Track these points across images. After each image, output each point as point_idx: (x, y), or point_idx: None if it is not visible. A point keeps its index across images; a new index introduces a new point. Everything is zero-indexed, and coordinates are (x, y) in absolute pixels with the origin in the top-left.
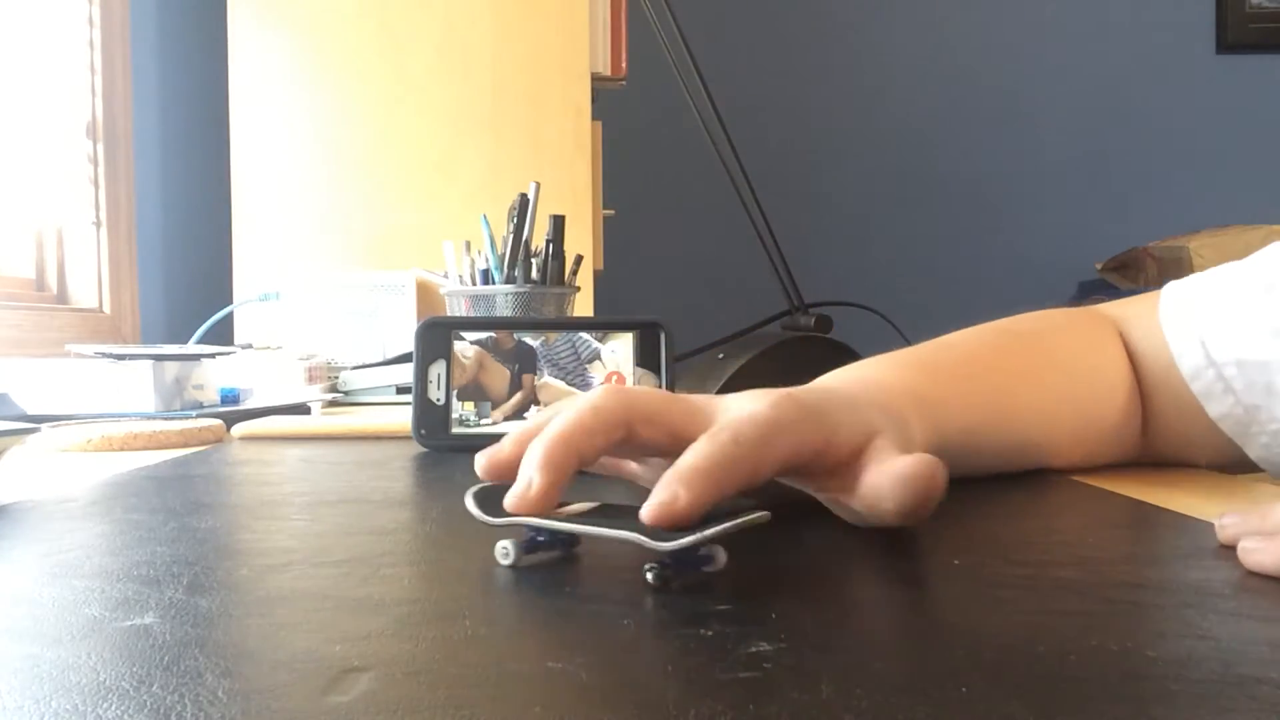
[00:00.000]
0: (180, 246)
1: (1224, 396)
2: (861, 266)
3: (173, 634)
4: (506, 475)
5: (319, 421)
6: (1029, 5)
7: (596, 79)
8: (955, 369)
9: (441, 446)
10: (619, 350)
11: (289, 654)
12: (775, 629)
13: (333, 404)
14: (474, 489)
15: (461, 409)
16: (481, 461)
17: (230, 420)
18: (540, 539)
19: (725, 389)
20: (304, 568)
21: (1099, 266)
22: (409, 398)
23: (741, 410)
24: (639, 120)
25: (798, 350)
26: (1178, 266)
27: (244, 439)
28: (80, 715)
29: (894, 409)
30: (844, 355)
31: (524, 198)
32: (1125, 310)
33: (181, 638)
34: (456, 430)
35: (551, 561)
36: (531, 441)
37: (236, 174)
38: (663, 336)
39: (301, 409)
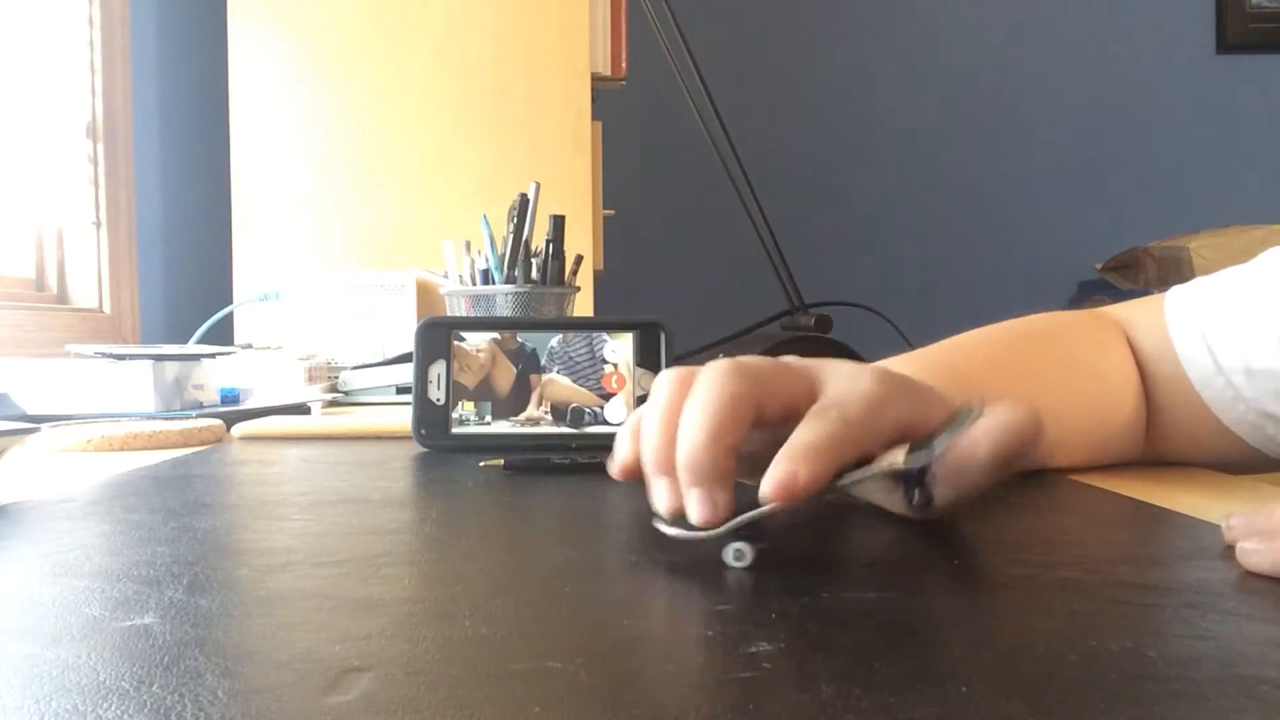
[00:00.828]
0: (180, 246)
1: (1235, 404)
2: (861, 266)
3: (173, 634)
4: (639, 475)
5: (319, 421)
6: (1029, 5)
7: (596, 79)
8: (978, 373)
9: (441, 446)
10: (619, 350)
11: (289, 654)
12: (775, 629)
13: (333, 404)
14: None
15: (461, 409)
16: (615, 468)
17: (230, 420)
18: (751, 533)
19: None
20: (304, 568)
21: (1099, 266)
22: (409, 398)
23: (847, 385)
24: (639, 120)
25: (798, 350)
26: (1178, 266)
27: (244, 439)
28: (80, 715)
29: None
30: (844, 355)
31: (524, 198)
32: (1129, 312)
33: (181, 638)
34: (456, 430)
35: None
36: (682, 445)
37: (236, 174)
38: (663, 336)
39: (301, 409)
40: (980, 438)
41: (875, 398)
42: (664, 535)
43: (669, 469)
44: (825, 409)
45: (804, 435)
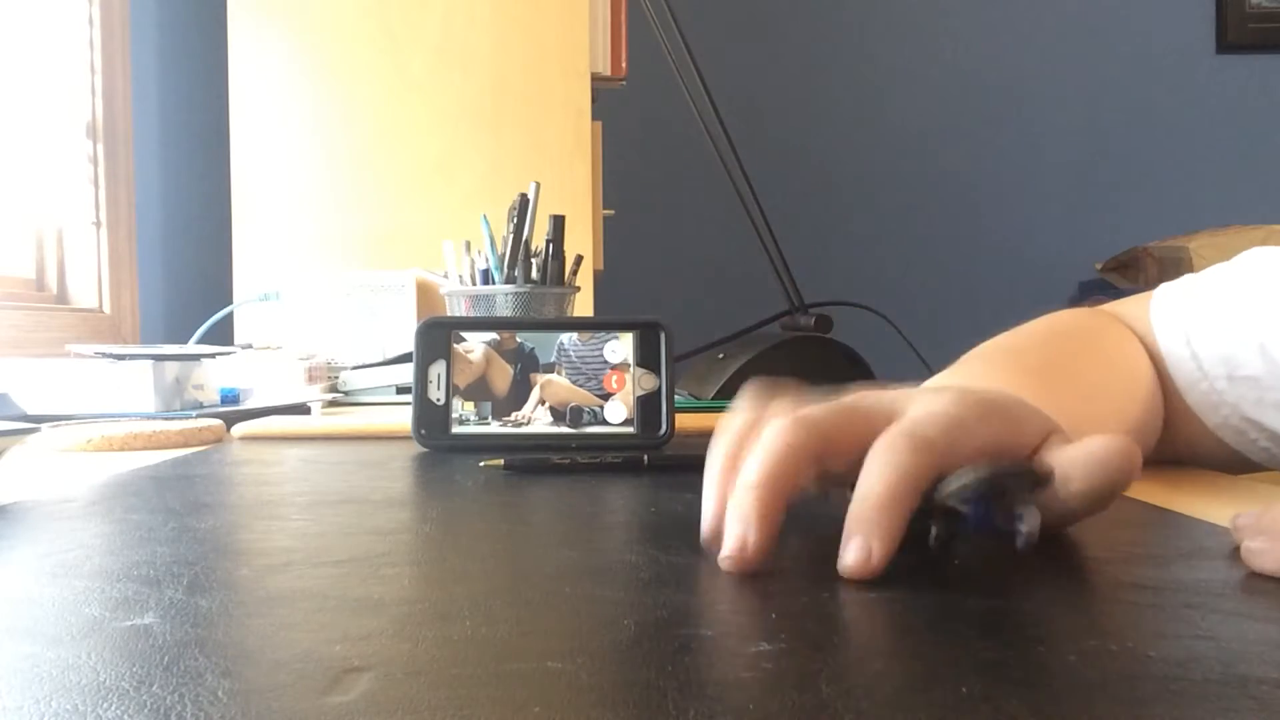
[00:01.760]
0: (180, 246)
1: (1219, 408)
2: (861, 266)
3: (173, 634)
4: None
5: (319, 421)
6: (1029, 5)
7: (596, 79)
8: (1044, 375)
9: (441, 446)
10: (619, 350)
11: (289, 654)
12: (775, 629)
13: (333, 404)
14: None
15: (461, 409)
16: (706, 535)
17: (230, 420)
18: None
19: (725, 389)
20: (304, 568)
21: (1099, 266)
22: (409, 398)
23: (923, 409)
24: (639, 120)
25: (798, 350)
26: (1177, 266)
27: (244, 439)
28: (80, 715)
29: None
30: (844, 355)
31: (524, 198)
32: (1124, 310)
33: (181, 638)
34: (456, 430)
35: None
36: (737, 483)
37: (236, 174)
38: (663, 336)
39: (301, 409)
40: (1072, 470)
41: (953, 419)
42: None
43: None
44: (894, 440)
45: (871, 486)
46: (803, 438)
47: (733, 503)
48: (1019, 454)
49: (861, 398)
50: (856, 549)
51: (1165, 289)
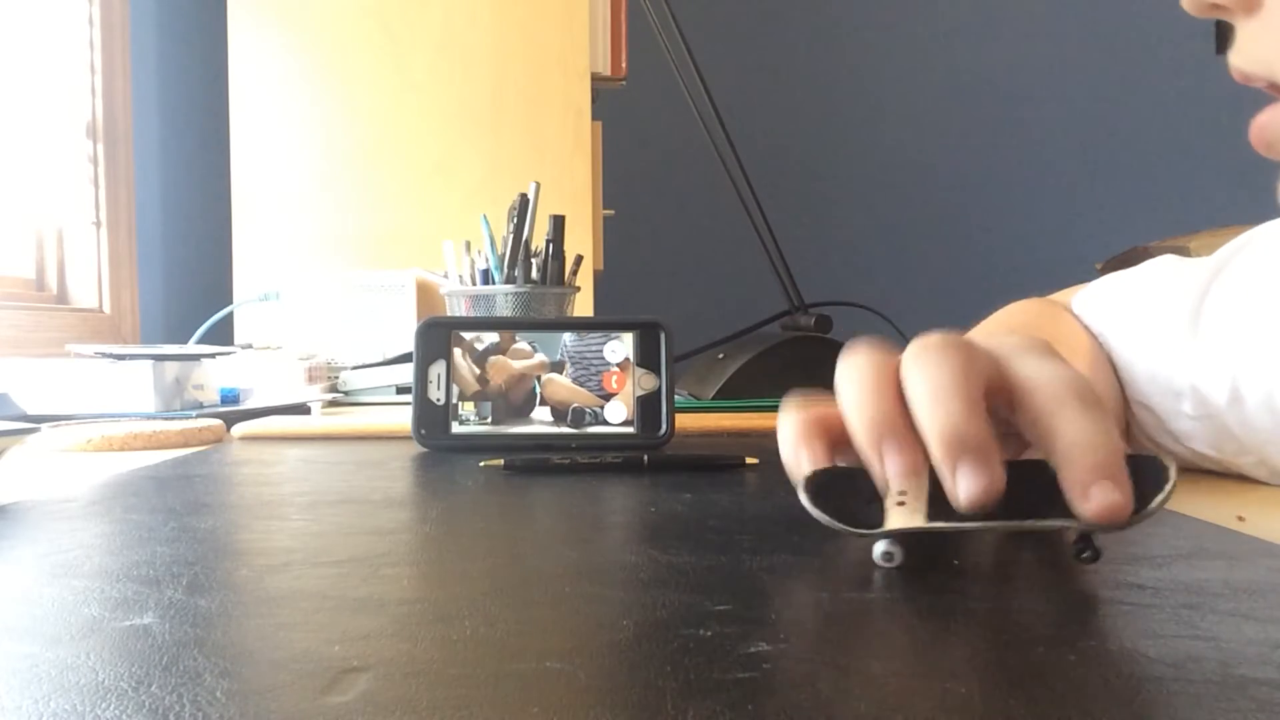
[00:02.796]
0: (180, 246)
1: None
2: (861, 266)
3: (172, 634)
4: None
5: (319, 421)
6: (1029, 5)
7: (596, 79)
8: None
9: (441, 446)
10: (619, 350)
11: (288, 654)
12: (775, 629)
13: (333, 404)
14: (809, 493)
15: (462, 409)
16: (799, 464)
17: (230, 420)
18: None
19: (725, 389)
20: (304, 568)
21: (1099, 266)
22: (409, 398)
23: (1049, 367)
24: (639, 120)
25: (798, 350)
26: None
27: (244, 439)
28: (79, 715)
29: None
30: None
31: (524, 198)
32: (1064, 300)
33: (180, 638)
34: (456, 430)
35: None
36: (935, 415)
37: (236, 174)
38: (663, 336)
39: (301, 409)
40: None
41: (1080, 377)
42: (670, 532)
43: (905, 444)
44: (1083, 396)
45: (1088, 437)
46: (971, 361)
47: (949, 442)
48: None
49: (942, 336)
50: (1104, 494)
51: (1081, 298)
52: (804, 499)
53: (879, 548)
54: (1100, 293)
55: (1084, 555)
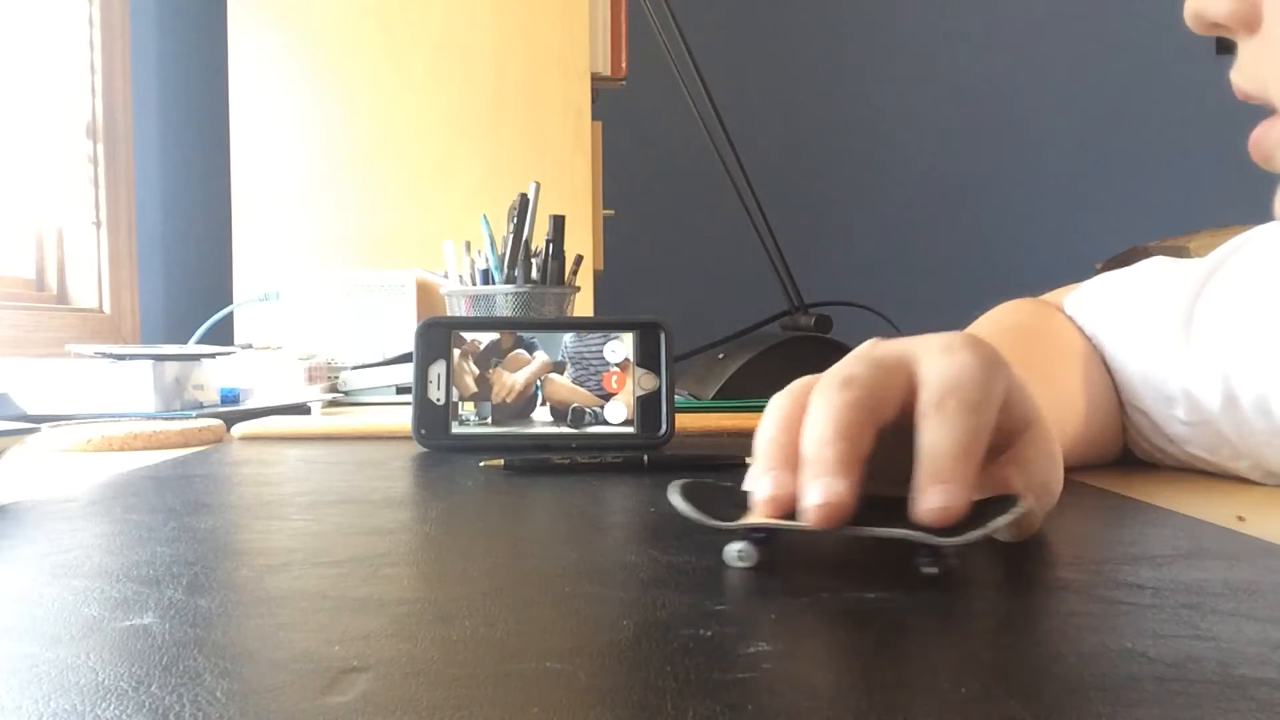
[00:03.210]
0: (180, 246)
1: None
2: (861, 266)
3: (172, 634)
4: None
5: (319, 421)
6: (1030, 6)
7: (596, 79)
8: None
9: (441, 446)
10: (619, 350)
11: (288, 654)
12: (775, 629)
13: (333, 404)
14: (679, 489)
15: (462, 409)
16: (767, 497)
17: (230, 420)
18: (763, 536)
19: (725, 389)
20: (304, 568)
21: (1099, 266)
22: (409, 398)
23: (946, 362)
24: (639, 120)
25: (798, 350)
26: None
27: (244, 439)
28: (79, 715)
29: None
30: (844, 355)
31: (524, 198)
32: (1057, 301)
33: (180, 638)
34: (456, 430)
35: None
36: (809, 441)
37: (236, 174)
38: (663, 336)
39: (301, 409)
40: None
41: (979, 376)
42: (670, 532)
43: (785, 464)
44: (941, 403)
45: (940, 443)
46: (859, 395)
47: (809, 462)
48: (1009, 432)
49: (878, 351)
50: (938, 497)
51: (1073, 298)
52: (673, 494)
53: (732, 547)
54: (1093, 294)
55: (924, 566)
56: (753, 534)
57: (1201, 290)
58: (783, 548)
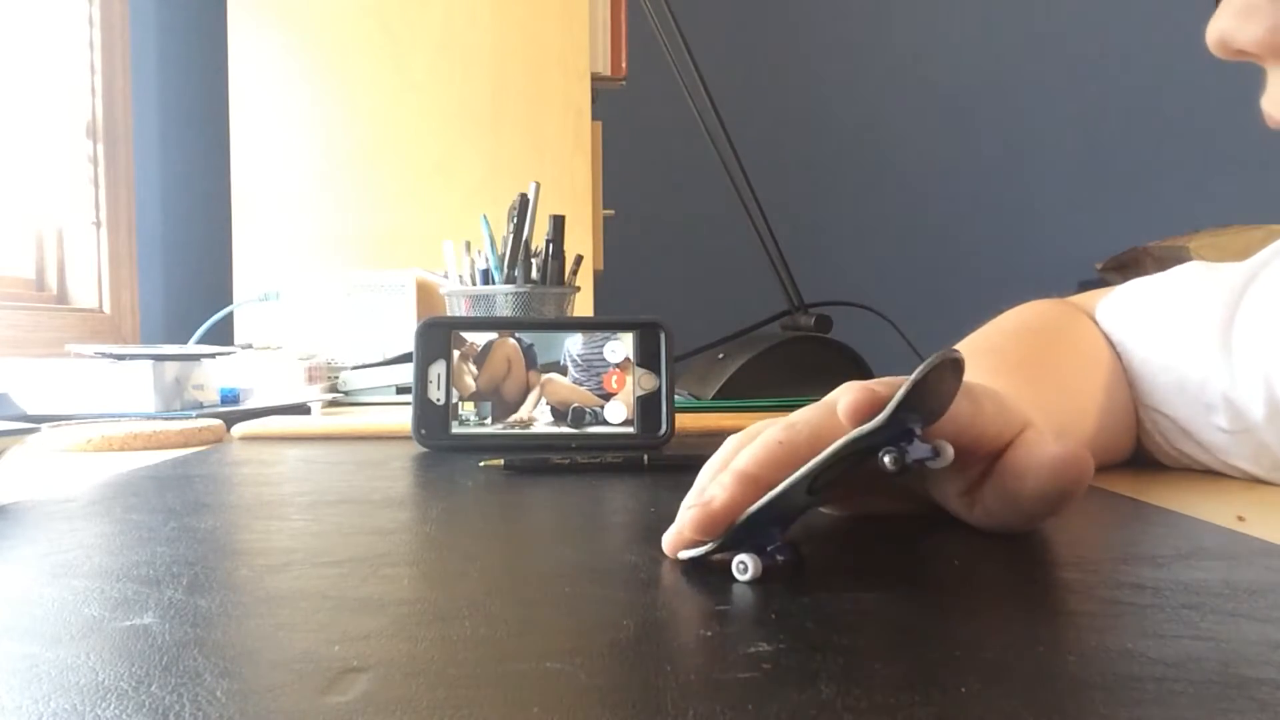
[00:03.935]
0: (180, 246)
1: (1152, 433)
2: (861, 266)
3: (172, 634)
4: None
5: (319, 421)
6: (1030, 6)
7: (596, 79)
8: (1024, 371)
9: (441, 446)
10: (619, 350)
11: (288, 654)
12: (775, 629)
13: (333, 404)
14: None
15: (462, 409)
16: (668, 542)
17: (230, 420)
18: (777, 551)
19: (725, 389)
20: (304, 568)
21: (1099, 266)
22: (409, 398)
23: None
24: (639, 120)
25: (798, 350)
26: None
27: (244, 439)
28: (79, 715)
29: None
30: (844, 355)
31: (524, 198)
32: (1082, 303)
33: (181, 638)
34: (456, 430)
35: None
36: (725, 472)
37: (236, 174)
38: (663, 336)
39: (301, 409)
40: (1028, 471)
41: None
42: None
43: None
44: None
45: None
46: (794, 437)
47: (712, 480)
48: (994, 441)
49: (845, 396)
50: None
51: (1105, 302)
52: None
53: (734, 560)
54: (1125, 299)
55: (886, 455)
56: (748, 545)
57: (1242, 296)
58: (780, 549)
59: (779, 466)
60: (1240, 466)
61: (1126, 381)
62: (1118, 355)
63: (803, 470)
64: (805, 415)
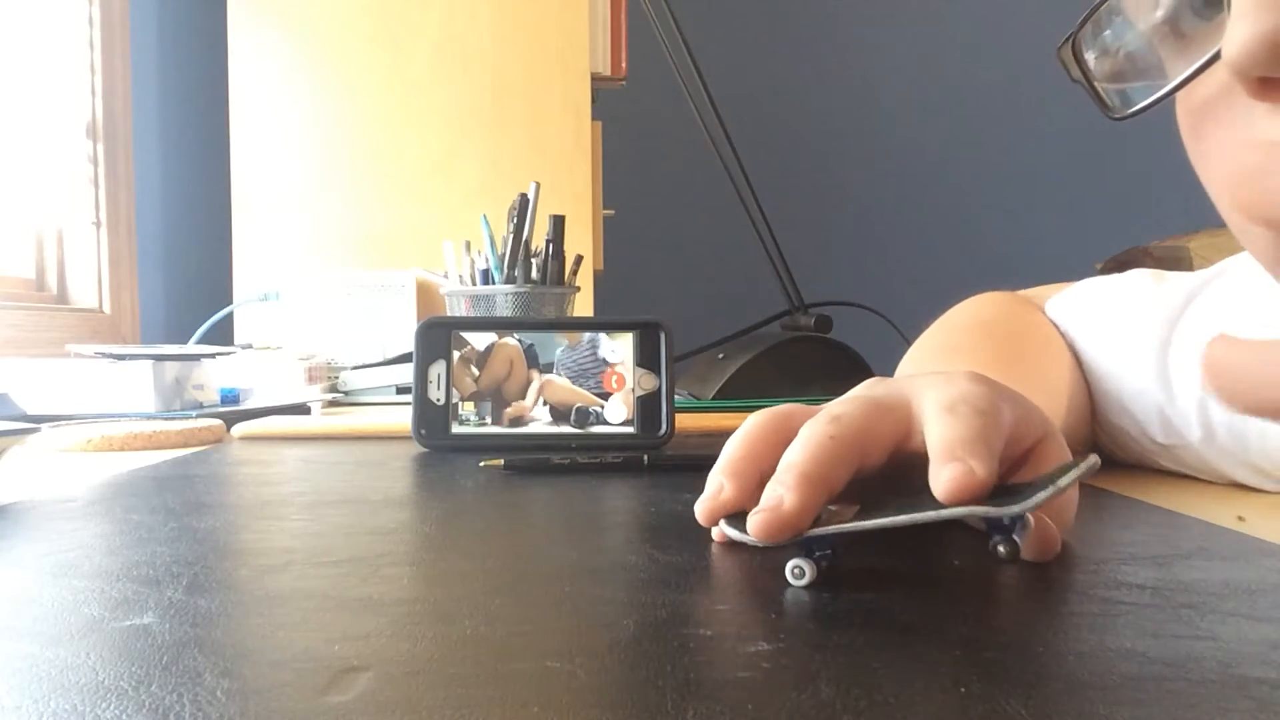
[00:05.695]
0: (180, 246)
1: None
2: (861, 266)
3: (172, 634)
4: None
5: (319, 421)
6: (1029, 5)
7: (596, 79)
8: (1009, 369)
9: (441, 446)
10: (619, 350)
11: (288, 654)
12: (775, 629)
13: (333, 404)
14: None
15: (462, 409)
16: (702, 509)
17: (230, 420)
18: (823, 556)
19: (725, 389)
20: (304, 568)
21: (1099, 266)
22: (409, 398)
23: (951, 387)
24: (639, 120)
25: (798, 350)
26: (1177, 266)
27: (244, 439)
28: (79, 715)
29: None
30: (844, 355)
31: (524, 198)
32: (1038, 299)
33: (180, 638)
34: (456, 430)
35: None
36: (781, 469)
37: (236, 174)
38: (663, 336)
39: (301, 409)
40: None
41: (984, 394)
42: (670, 532)
43: (735, 475)
44: (952, 406)
45: (952, 431)
46: (845, 431)
47: (773, 479)
48: (1014, 447)
49: (877, 391)
50: (957, 469)
51: (1054, 303)
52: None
53: (789, 567)
54: (1075, 302)
55: (999, 545)
56: (803, 549)
57: (1180, 316)
58: (780, 549)
59: (835, 463)
60: (1175, 469)
61: (1084, 376)
62: (1072, 349)
63: (905, 518)
64: (846, 408)
